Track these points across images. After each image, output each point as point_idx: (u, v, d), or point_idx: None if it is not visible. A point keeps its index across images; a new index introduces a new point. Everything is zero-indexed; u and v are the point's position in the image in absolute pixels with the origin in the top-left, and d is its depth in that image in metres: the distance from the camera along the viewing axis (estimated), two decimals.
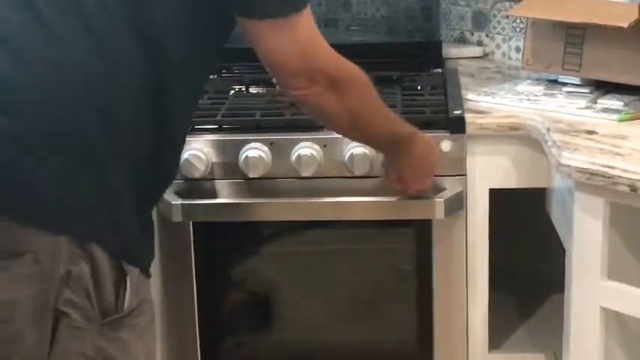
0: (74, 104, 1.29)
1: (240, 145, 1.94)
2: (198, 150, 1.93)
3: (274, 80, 1.55)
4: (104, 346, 1.35)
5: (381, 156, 1.88)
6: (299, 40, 1.48)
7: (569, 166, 1.63)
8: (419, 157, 1.79)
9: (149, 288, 1.45)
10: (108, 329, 1.35)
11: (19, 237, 1.26)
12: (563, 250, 1.77)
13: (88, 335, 1.32)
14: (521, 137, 1.94)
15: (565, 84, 2.07)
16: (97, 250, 1.31)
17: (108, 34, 1.32)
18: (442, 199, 1.91)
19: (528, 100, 2.00)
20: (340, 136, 1.93)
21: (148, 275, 1.43)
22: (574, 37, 2.04)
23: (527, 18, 2.14)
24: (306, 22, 1.48)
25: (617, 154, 1.65)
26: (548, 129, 1.82)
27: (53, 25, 1.30)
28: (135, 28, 1.35)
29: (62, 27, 1.30)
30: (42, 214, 1.27)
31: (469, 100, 2.05)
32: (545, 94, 2.03)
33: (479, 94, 2.07)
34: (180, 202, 1.94)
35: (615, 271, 1.65)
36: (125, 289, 1.36)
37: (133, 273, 1.37)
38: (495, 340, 2.09)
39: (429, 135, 1.82)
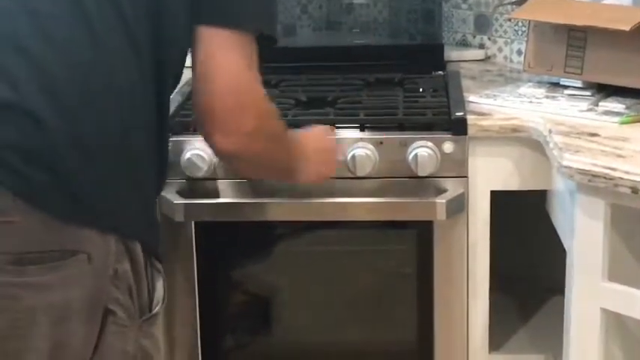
0: (120, 108, 1.32)
1: None
2: (201, 150, 1.94)
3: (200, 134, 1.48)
4: (143, 343, 1.38)
5: (382, 156, 1.89)
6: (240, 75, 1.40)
7: (570, 167, 1.63)
8: (312, 158, 1.72)
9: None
10: (146, 326, 1.38)
11: (73, 236, 1.28)
12: (564, 252, 1.78)
13: (130, 333, 1.35)
14: (523, 139, 1.94)
15: (567, 87, 2.08)
16: (136, 248, 1.34)
17: (139, 37, 1.34)
18: (444, 201, 1.92)
19: (530, 102, 2.01)
20: (342, 136, 1.94)
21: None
22: (576, 40, 2.05)
23: (529, 21, 2.15)
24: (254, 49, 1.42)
25: (619, 156, 1.66)
26: (550, 131, 1.83)
27: (99, 30, 1.31)
28: (152, 37, 1.37)
29: (106, 31, 1.31)
30: (94, 213, 1.29)
31: (471, 102, 2.05)
32: (547, 97, 2.03)
33: (481, 97, 2.08)
34: (182, 201, 1.94)
35: (616, 273, 1.65)
36: (154, 286, 1.40)
37: (161, 269, 1.41)
38: (496, 342, 2.09)
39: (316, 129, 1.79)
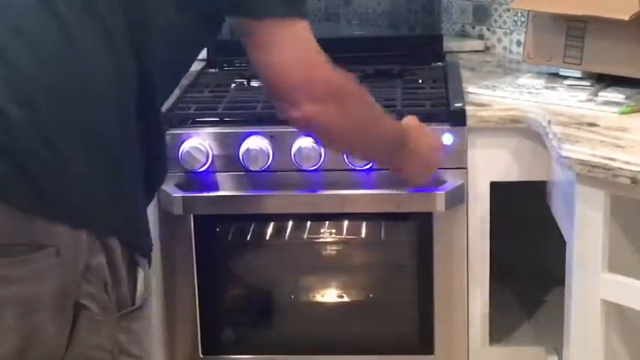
0: (93, 103, 1.30)
1: (240, 137, 1.94)
2: (199, 142, 1.94)
3: (271, 102, 1.48)
4: (120, 338, 1.36)
5: None
6: (302, 48, 1.40)
7: (569, 158, 1.63)
8: (423, 154, 1.69)
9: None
10: (124, 321, 1.36)
11: (41, 230, 1.27)
12: (564, 243, 1.77)
13: (105, 328, 1.33)
14: (522, 130, 1.93)
15: (566, 77, 2.07)
16: (113, 243, 1.32)
17: (115, 32, 1.32)
18: (443, 192, 1.91)
19: (529, 93, 2.00)
20: None
21: (150, 266, 1.44)
22: (575, 30, 2.04)
23: (529, 11, 2.14)
24: (308, 31, 1.41)
25: (618, 146, 1.65)
26: (549, 121, 1.82)
27: (68, 22, 1.29)
28: (131, 31, 1.35)
29: (76, 23, 1.30)
30: (63, 208, 1.28)
31: (470, 93, 2.05)
32: (547, 87, 2.03)
33: (480, 87, 2.07)
34: (181, 194, 1.94)
35: (616, 264, 1.65)
36: (136, 280, 1.37)
37: (143, 264, 1.39)
38: (496, 334, 2.09)
39: (426, 127, 1.75)
